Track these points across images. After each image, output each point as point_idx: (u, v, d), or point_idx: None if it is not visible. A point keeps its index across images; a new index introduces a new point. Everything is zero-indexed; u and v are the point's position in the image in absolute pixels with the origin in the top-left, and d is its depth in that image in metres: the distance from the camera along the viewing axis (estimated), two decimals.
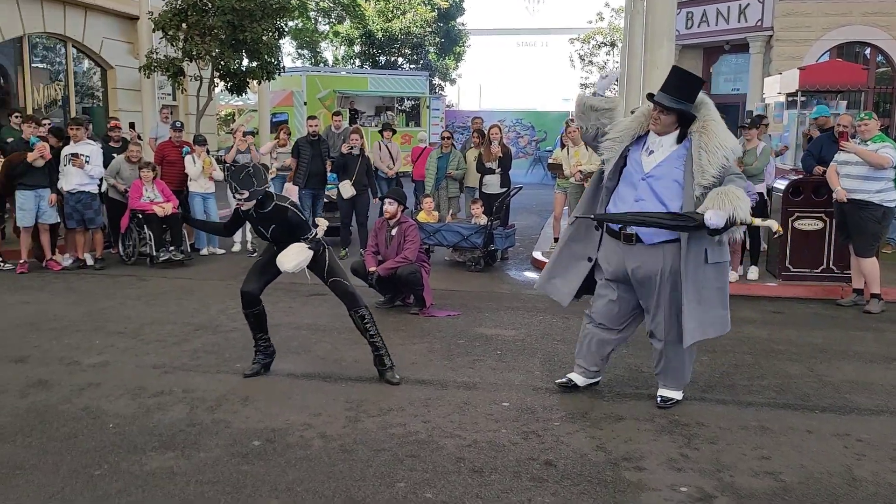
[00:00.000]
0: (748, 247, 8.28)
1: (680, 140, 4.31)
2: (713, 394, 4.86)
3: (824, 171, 7.82)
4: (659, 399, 4.58)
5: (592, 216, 4.53)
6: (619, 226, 4.42)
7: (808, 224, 7.95)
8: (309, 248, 4.90)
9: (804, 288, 7.90)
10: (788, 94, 13.38)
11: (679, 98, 4.25)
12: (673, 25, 8.82)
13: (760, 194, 8.13)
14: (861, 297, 7.44)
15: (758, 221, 4.32)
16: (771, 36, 17.67)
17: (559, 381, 4.88)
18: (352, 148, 9.92)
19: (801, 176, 8.44)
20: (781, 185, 8.25)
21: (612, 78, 5.00)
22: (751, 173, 8.10)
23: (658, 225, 4.22)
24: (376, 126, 22.29)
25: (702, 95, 4.34)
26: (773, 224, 4.36)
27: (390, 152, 11.74)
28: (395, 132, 12.36)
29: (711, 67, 20.17)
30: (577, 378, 4.83)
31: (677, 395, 4.61)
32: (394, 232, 7.12)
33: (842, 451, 3.99)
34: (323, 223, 5.30)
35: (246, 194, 4.71)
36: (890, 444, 4.07)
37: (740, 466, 3.79)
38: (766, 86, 15.58)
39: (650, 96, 4.39)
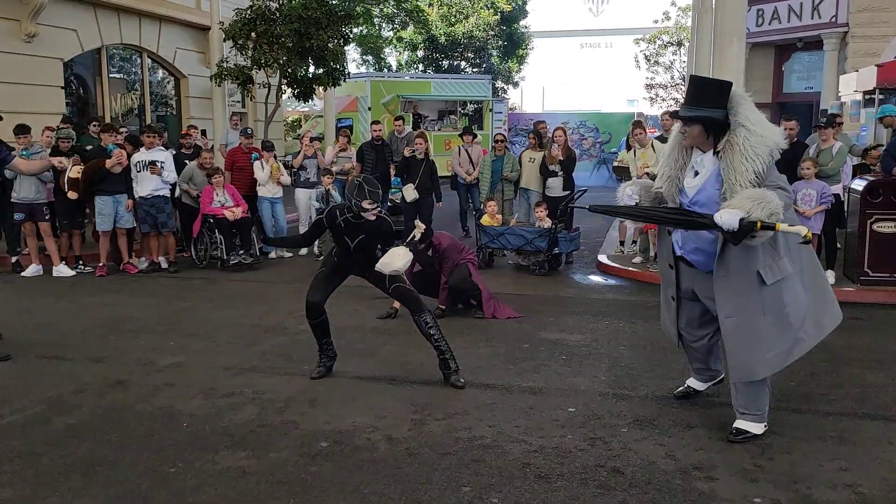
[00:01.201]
0: (824, 250, 8.00)
1: (715, 153, 4.02)
2: (788, 403, 4.70)
3: None
4: (732, 430, 4.12)
5: (588, 207, 4.42)
6: (678, 252, 4.24)
7: (888, 226, 7.63)
8: (410, 250, 5.07)
9: (884, 293, 7.58)
10: (865, 92, 12.91)
11: (699, 106, 3.96)
12: (743, 23, 8.61)
13: (836, 196, 7.85)
14: None
15: (783, 227, 3.84)
16: (846, 32, 17.08)
17: (677, 390, 4.76)
18: (414, 151, 9.98)
19: (879, 176, 8.10)
20: (859, 185, 7.94)
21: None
22: (826, 174, 7.84)
23: (663, 222, 4.08)
24: (439, 130, 22.41)
25: (736, 95, 3.98)
26: (802, 229, 3.96)
27: (470, 157, 11.45)
28: (475, 136, 12.04)
29: (783, 66, 19.63)
30: (696, 383, 4.73)
31: (753, 427, 4.11)
32: (430, 253, 7.10)
33: None
34: (420, 226, 5.40)
35: (378, 205, 4.89)
36: None
37: (817, 478, 3.66)
38: (841, 84, 15.09)
39: (674, 113, 4.18)
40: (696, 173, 4.10)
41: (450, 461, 3.85)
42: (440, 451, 3.98)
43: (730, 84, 4.05)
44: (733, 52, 8.35)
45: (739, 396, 4.16)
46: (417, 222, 5.50)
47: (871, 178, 7.96)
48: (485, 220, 9.47)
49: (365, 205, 4.82)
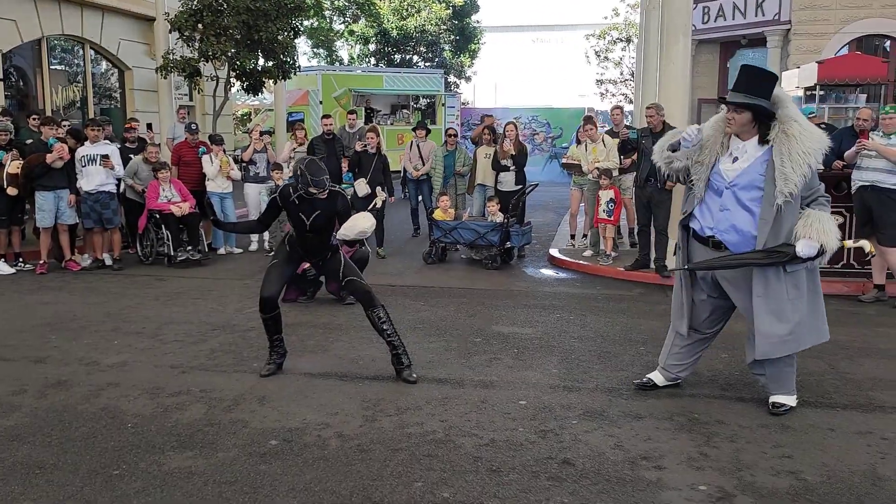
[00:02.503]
0: None
1: (761, 142, 4.18)
2: (733, 391, 4.81)
3: (844, 166, 7.72)
4: (770, 405, 4.43)
5: (686, 267, 4.48)
6: (707, 233, 4.36)
7: None
8: (373, 216, 5.01)
9: (825, 284, 7.58)
10: (807, 89, 13.27)
11: (750, 94, 4.12)
12: (689, 20, 8.75)
13: None
14: (884, 293, 7.34)
15: (850, 244, 4.28)
16: (788, 30, 17.51)
17: (637, 381, 4.84)
18: (366, 146, 9.91)
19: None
20: None
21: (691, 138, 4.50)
22: None
23: (752, 264, 4.17)
24: (392, 124, 22.32)
25: (780, 92, 4.20)
26: (866, 245, 4.26)
27: (420, 152, 11.39)
28: (429, 132, 11.96)
29: (728, 62, 20.01)
30: (658, 378, 4.80)
31: (789, 400, 4.43)
32: None
33: (865, 449, 3.94)
34: (382, 195, 5.36)
35: (324, 191, 4.82)
36: None
37: (761, 465, 3.74)
38: (783, 80, 15.44)
39: (722, 99, 4.30)
40: (736, 159, 4.26)
41: (401, 457, 3.84)
42: (392, 446, 3.96)
43: (777, 77, 4.27)
44: (679, 49, 8.48)
45: (770, 382, 4.44)
46: (378, 190, 5.46)
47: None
48: (437, 214, 9.46)
49: (311, 190, 4.78)
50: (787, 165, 4.03)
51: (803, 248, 4.06)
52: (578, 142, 10.05)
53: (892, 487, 3.51)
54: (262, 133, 10.79)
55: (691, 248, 4.52)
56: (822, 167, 8.06)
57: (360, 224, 4.87)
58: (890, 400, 4.66)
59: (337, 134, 11.18)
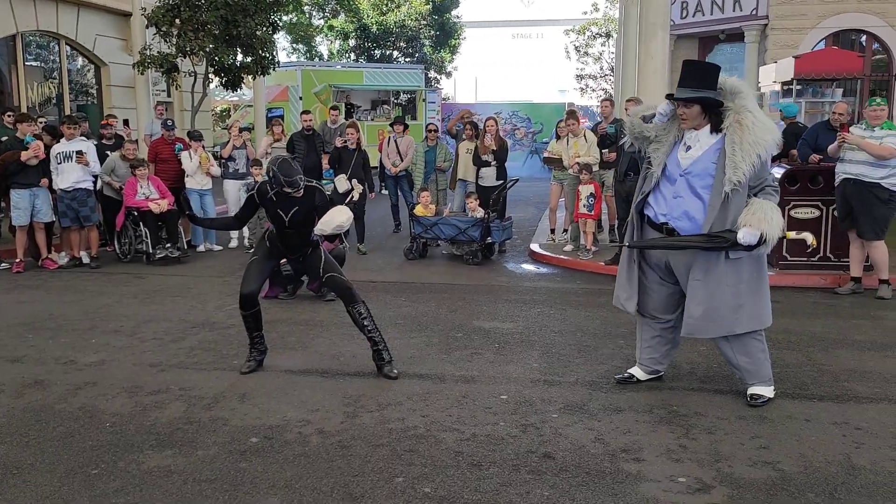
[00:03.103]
0: None
1: (714, 130, 4.25)
2: (711, 384, 4.85)
3: (820, 160, 7.79)
4: (748, 397, 4.46)
5: (627, 244, 4.57)
6: (661, 220, 4.41)
7: (805, 213, 7.93)
8: (350, 209, 5.02)
9: (801, 277, 7.89)
10: (784, 83, 13.37)
11: (696, 87, 4.20)
12: (667, 15, 8.81)
13: None
14: (859, 286, 7.43)
15: (792, 235, 4.33)
16: (766, 24, 17.63)
17: (618, 376, 4.85)
18: (346, 141, 9.87)
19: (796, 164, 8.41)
20: (777, 173, 8.21)
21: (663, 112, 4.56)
22: None
23: (692, 247, 4.23)
24: (372, 120, 22.24)
25: (738, 83, 4.28)
26: (809, 237, 4.34)
27: (398, 148, 11.32)
28: (406, 126, 11.82)
29: (706, 57, 20.12)
30: (638, 372, 4.83)
31: (766, 391, 4.46)
32: None
33: (840, 439, 3.99)
34: (358, 187, 5.33)
35: (299, 189, 4.80)
36: (888, 432, 4.06)
37: (738, 456, 3.78)
38: (761, 75, 15.57)
39: (669, 97, 4.35)
40: (689, 147, 4.33)
41: (382, 452, 3.84)
42: (373, 442, 3.96)
43: (719, 67, 4.36)
44: (658, 44, 8.53)
45: (745, 373, 4.47)
46: (354, 182, 5.44)
47: (790, 166, 8.25)
48: (418, 210, 9.45)
49: (286, 190, 4.76)
50: (737, 154, 4.10)
51: (744, 236, 4.12)
52: (558, 137, 10.08)
53: (866, 476, 3.56)
54: (241, 129, 10.71)
55: (644, 234, 4.56)
56: (800, 161, 8.22)
57: (336, 218, 4.85)
58: (864, 391, 4.73)
59: (318, 130, 11.12)
